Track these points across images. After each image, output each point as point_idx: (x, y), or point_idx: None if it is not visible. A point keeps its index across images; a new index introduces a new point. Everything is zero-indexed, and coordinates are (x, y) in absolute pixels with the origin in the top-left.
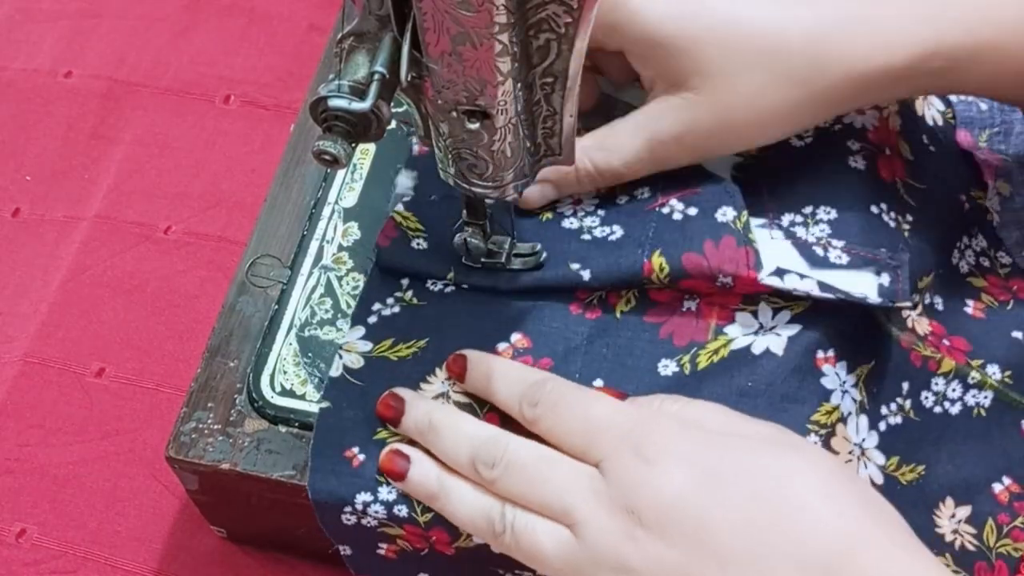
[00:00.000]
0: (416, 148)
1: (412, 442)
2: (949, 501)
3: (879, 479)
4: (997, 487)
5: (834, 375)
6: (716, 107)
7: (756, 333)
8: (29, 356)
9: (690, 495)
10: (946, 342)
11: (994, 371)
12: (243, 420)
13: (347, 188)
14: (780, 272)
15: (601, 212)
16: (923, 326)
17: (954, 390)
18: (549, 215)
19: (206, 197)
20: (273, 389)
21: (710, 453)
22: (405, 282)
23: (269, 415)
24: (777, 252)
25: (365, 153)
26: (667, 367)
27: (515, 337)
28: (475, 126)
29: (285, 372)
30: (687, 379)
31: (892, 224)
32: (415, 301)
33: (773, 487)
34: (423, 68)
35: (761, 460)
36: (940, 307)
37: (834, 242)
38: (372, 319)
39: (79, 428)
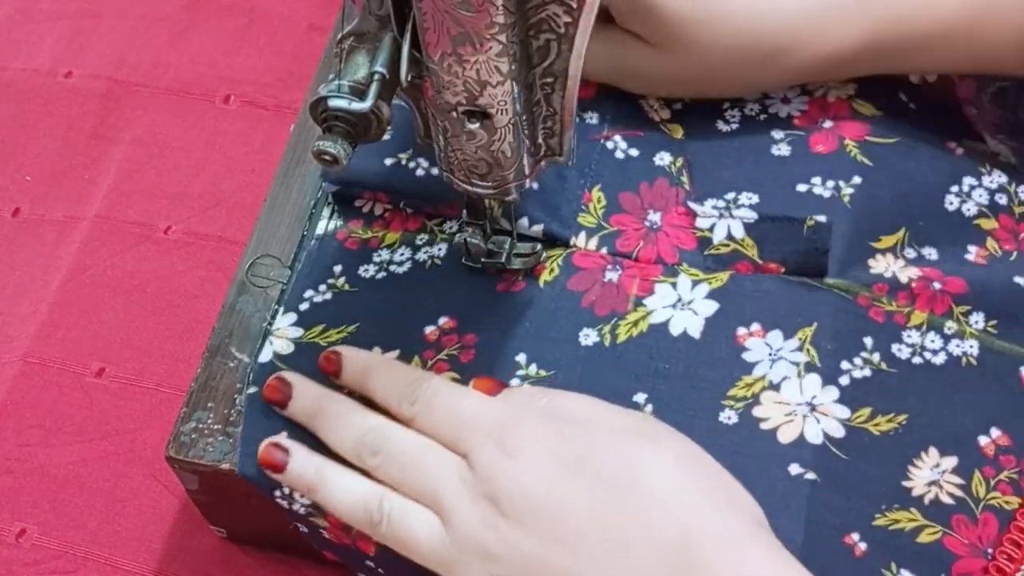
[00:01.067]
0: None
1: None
2: (933, 451)
3: (839, 432)
4: (983, 439)
5: (761, 346)
6: (681, 63)
7: (674, 307)
8: (29, 356)
9: (547, 485)
10: (937, 284)
11: (977, 320)
12: (243, 420)
13: None
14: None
15: None
16: (911, 273)
17: (932, 341)
18: None
19: (206, 197)
20: None
21: (570, 445)
22: (338, 268)
23: None
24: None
25: None
26: (588, 336)
27: (443, 320)
28: (475, 126)
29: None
30: (606, 351)
31: (827, 194)
32: (347, 287)
33: (626, 477)
34: (423, 68)
35: (618, 451)
36: (933, 256)
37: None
38: (304, 306)
39: (79, 428)
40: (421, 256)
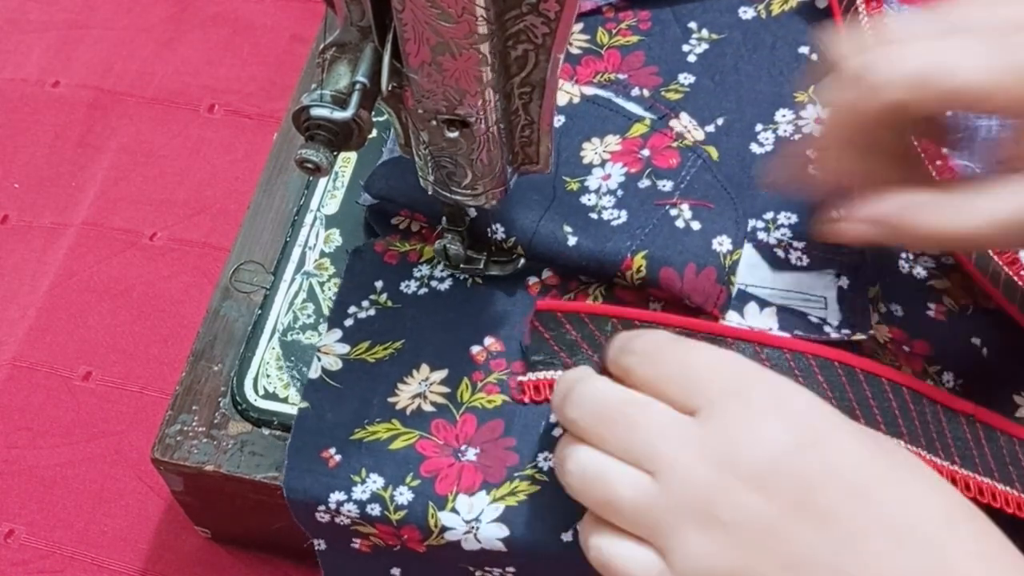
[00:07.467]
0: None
1: None
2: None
3: None
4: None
5: None
6: None
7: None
8: (17, 360)
9: (797, 453)
10: (906, 348)
11: (948, 378)
12: (227, 423)
13: (329, 195)
14: (742, 298)
15: (620, 193)
16: (883, 333)
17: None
18: (575, 186)
19: (191, 204)
20: (256, 392)
21: (822, 418)
22: (379, 284)
23: (252, 418)
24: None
25: (347, 161)
26: None
27: (488, 340)
28: (454, 135)
29: (268, 376)
30: None
31: None
32: (389, 304)
33: (881, 468)
34: (403, 78)
35: (871, 445)
36: (899, 313)
37: (795, 243)
38: (348, 322)
39: (66, 431)
40: (461, 274)
